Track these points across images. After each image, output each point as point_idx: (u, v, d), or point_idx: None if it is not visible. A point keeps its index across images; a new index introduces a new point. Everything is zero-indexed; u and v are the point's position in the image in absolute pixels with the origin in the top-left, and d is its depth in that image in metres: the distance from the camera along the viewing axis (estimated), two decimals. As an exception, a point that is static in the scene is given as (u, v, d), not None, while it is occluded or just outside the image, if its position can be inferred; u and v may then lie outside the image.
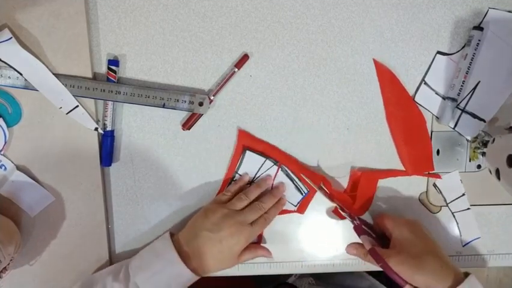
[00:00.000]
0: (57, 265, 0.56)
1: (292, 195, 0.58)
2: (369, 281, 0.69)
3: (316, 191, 0.58)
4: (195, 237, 0.52)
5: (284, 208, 0.58)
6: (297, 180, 0.57)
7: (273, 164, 0.57)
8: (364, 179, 0.57)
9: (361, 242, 0.55)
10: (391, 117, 0.57)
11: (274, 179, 0.57)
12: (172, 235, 0.53)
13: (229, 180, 0.57)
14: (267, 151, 0.56)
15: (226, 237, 0.51)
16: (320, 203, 0.58)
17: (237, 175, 0.57)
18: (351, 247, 0.57)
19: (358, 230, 0.55)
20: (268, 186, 0.57)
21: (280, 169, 0.57)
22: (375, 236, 0.55)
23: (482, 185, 0.59)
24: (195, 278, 0.51)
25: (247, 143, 0.56)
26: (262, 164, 0.57)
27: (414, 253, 0.50)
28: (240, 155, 0.56)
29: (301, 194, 0.58)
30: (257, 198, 0.56)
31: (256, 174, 0.57)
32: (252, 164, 0.57)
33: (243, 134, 0.56)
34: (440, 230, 0.60)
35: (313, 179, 0.57)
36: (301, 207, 0.58)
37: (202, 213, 0.54)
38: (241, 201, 0.54)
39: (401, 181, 0.59)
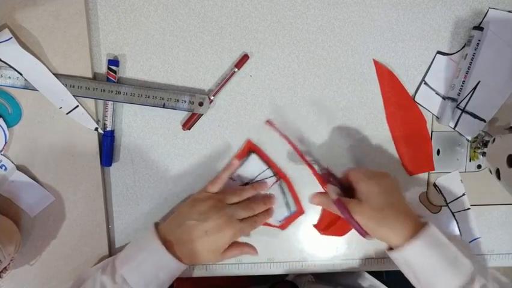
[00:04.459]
0: (57, 265, 0.56)
1: (280, 211, 0.57)
2: (369, 281, 0.68)
3: (303, 213, 0.58)
4: (181, 225, 0.51)
5: (268, 221, 0.57)
6: (289, 196, 0.57)
7: (272, 175, 0.56)
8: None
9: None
10: (391, 117, 0.57)
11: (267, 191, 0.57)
12: (158, 225, 0.52)
13: None
14: (272, 165, 0.56)
15: (212, 228, 0.50)
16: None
17: (234, 174, 0.57)
18: (315, 196, 0.54)
19: (324, 178, 0.54)
20: (262, 191, 0.56)
21: (277, 183, 0.57)
22: (342, 188, 0.53)
23: (482, 185, 0.59)
24: (182, 266, 0.50)
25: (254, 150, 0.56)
26: (262, 172, 0.56)
27: (377, 206, 0.49)
28: (245, 155, 0.56)
29: (289, 212, 0.58)
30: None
31: (252, 180, 0.56)
32: (252, 168, 0.56)
33: (251, 145, 0.56)
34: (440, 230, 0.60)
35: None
36: (285, 224, 0.58)
37: (190, 201, 0.53)
38: (234, 196, 0.53)
39: (401, 181, 0.59)
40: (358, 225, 0.49)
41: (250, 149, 0.56)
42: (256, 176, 0.56)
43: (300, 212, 0.58)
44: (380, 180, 0.51)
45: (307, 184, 0.57)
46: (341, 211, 0.50)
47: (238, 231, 0.51)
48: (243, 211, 0.53)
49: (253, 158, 0.56)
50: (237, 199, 0.53)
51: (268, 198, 0.56)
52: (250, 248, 0.56)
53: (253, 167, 0.56)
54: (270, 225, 0.58)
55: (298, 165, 0.57)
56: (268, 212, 0.56)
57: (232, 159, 0.55)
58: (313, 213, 0.59)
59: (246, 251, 0.55)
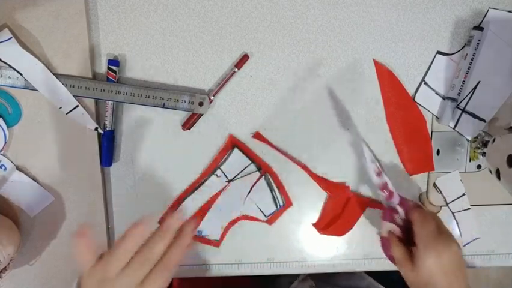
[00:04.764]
0: (57, 265, 0.56)
1: (267, 206, 0.57)
2: (367, 281, 0.68)
3: (291, 205, 0.58)
4: None
5: (255, 216, 0.57)
6: (276, 191, 0.57)
7: (256, 169, 0.56)
8: (353, 203, 0.57)
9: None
10: (391, 117, 0.57)
11: (253, 186, 0.57)
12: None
13: (207, 175, 0.56)
14: (255, 159, 0.56)
15: None
16: (321, 201, 0.59)
17: (218, 170, 0.56)
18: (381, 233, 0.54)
19: (386, 215, 0.52)
20: (145, 233, 0.38)
21: (263, 177, 0.57)
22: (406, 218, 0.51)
23: (482, 185, 0.59)
24: None
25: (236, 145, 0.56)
26: (246, 167, 0.56)
27: (429, 282, 0.46)
28: (228, 151, 0.56)
29: (276, 206, 0.57)
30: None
31: (237, 176, 0.56)
32: (236, 164, 0.56)
33: (233, 139, 0.56)
34: (440, 230, 0.60)
35: (327, 186, 0.57)
36: (272, 219, 0.58)
37: (86, 275, 0.38)
38: (118, 260, 0.37)
39: (401, 181, 0.59)
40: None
41: (232, 144, 0.56)
42: (241, 171, 0.56)
43: (288, 205, 0.58)
44: (444, 253, 0.45)
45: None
46: (390, 259, 0.52)
47: None
48: (138, 273, 0.37)
49: (236, 153, 0.56)
50: (124, 260, 0.37)
51: (167, 222, 0.39)
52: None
53: (237, 162, 0.56)
54: (257, 219, 0.58)
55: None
56: (179, 237, 0.39)
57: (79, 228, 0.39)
58: (313, 213, 0.59)
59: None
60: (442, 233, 0.47)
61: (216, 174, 0.56)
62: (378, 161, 0.57)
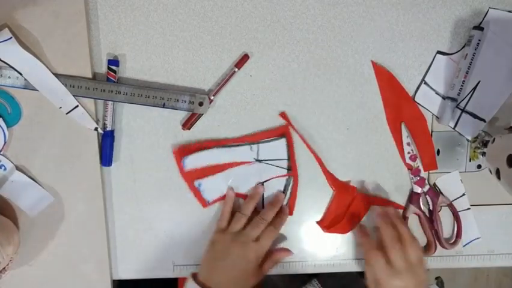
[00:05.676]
0: (57, 265, 0.56)
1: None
2: None
3: (291, 215, 0.58)
4: (213, 269, 0.53)
5: None
6: (287, 197, 0.58)
7: (287, 168, 0.56)
8: (358, 201, 0.58)
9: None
10: (391, 117, 0.57)
11: (273, 179, 0.57)
12: (195, 276, 0.53)
13: (242, 142, 0.56)
14: (292, 159, 0.56)
15: (236, 260, 0.52)
16: (322, 203, 0.59)
17: (255, 145, 0.56)
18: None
19: (413, 199, 0.58)
20: (260, 196, 0.57)
21: (286, 177, 0.57)
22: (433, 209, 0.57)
23: (482, 185, 0.59)
24: None
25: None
26: (280, 160, 0.56)
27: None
28: (275, 135, 0.56)
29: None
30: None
31: (267, 160, 0.56)
32: (274, 152, 0.56)
33: (286, 129, 0.56)
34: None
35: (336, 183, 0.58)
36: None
37: (210, 246, 0.55)
38: (239, 221, 0.54)
39: (402, 181, 0.59)
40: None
41: (283, 133, 0.56)
42: (273, 160, 0.56)
43: (289, 213, 0.58)
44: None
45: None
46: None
47: (257, 251, 0.53)
48: (254, 230, 0.54)
49: (282, 143, 0.56)
50: (244, 220, 0.54)
51: (275, 198, 0.56)
52: (283, 252, 0.58)
53: (276, 151, 0.56)
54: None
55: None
56: (282, 212, 0.56)
57: (227, 191, 0.56)
58: (316, 214, 0.59)
59: (279, 258, 0.58)
60: (392, 268, 0.52)
61: (251, 147, 0.56)
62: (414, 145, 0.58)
